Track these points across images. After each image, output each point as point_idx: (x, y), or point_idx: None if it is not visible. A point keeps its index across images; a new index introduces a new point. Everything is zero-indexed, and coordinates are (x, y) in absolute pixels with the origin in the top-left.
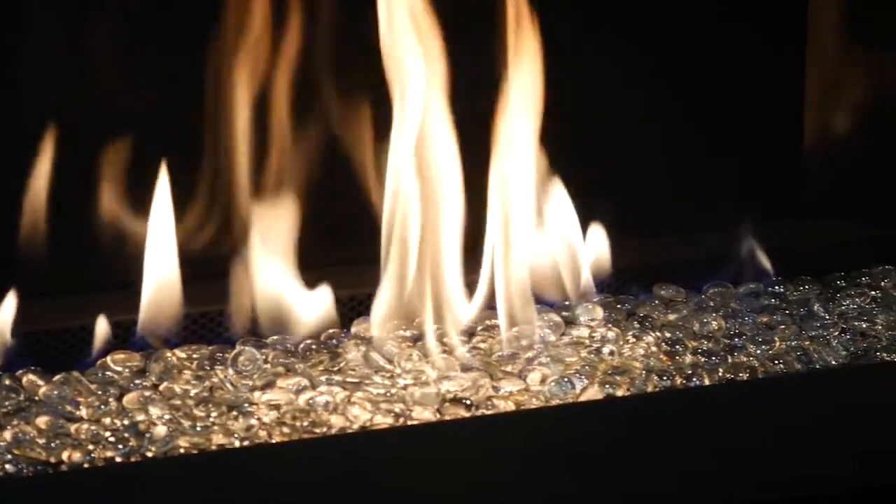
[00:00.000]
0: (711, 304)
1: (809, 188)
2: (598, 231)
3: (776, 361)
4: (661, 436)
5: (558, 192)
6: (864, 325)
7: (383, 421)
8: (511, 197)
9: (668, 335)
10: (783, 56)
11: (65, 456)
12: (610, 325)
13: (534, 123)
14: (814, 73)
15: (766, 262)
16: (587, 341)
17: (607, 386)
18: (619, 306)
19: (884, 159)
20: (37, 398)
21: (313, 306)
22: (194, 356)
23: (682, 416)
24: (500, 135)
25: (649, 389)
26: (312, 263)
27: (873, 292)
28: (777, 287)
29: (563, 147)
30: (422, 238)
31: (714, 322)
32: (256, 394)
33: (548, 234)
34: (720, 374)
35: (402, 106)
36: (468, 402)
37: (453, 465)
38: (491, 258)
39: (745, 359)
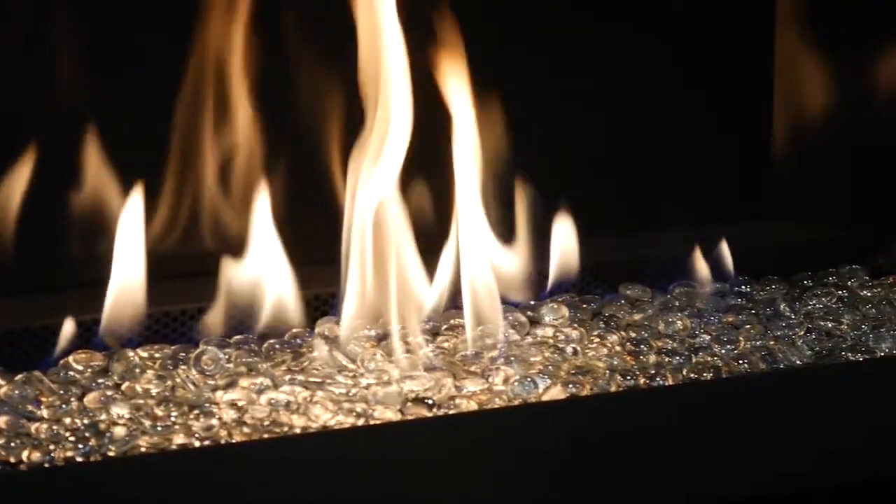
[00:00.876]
0: (677, 303)
1: (777, 189)
2: (564, 230)
3: (740, 361)
4: (624, 435)
5: (524, 192)
6: (829, 325)
7: (345, 420)
8: (476, 196)
9: (632, 335)
10: (751, 60)
11: (24, 455)
12: (575, 325)
13: (496, 124)
14: (781, 77)
15: (730, 263)
16: (551, 341)
17: (570, 385)
18: (584, 306)
19: (851, 160)
20: None
21: (278, 304)
22: (157, 356)
23: (644, 415)
24: (462, 137)
25: (612, 389)
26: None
27: (840, 292)
28: (744, 287)
29: (530, 148)
30: (385, 237)
31: (679, 322)
32: (218, 393)
33: (513, 234)
34: (684, 373)
35: (372, 112)
36: (430, 401)
37: (414, 465)
38: (456, 258)
39: (709, 358)
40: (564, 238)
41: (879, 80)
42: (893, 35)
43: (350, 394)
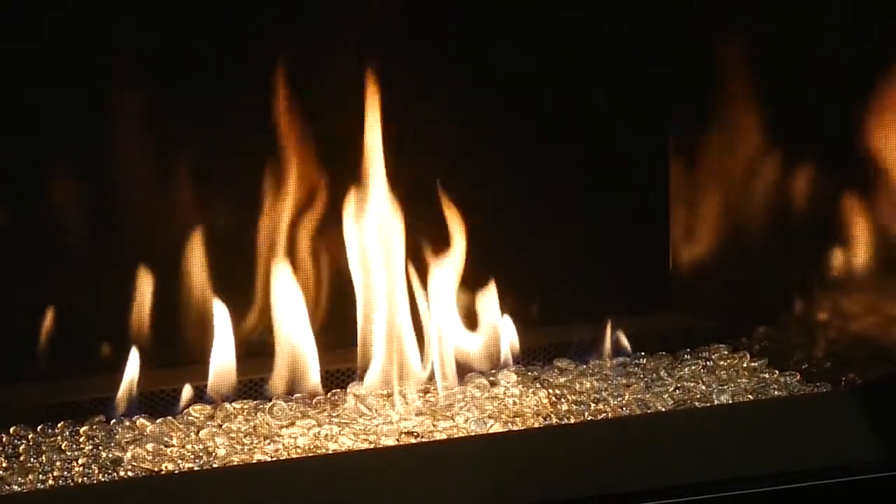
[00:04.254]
0: (591, 371)
1: (675, 289)
2: (510, 319)
3: (623, 408)
4: (540, 454)
5: (486, 293)
6: (691, 385)
7: (361, 446)
8: (448, 297)
9: (556, 392)
10: (651, 186)
11: (163, 467)
12: (518, 385)
13: (459, 241)
14: (675, 203)
15: (627, 343)
16: (500, 395)
17: (507, 424)
18: (528, 373)
19: (722, 268)
20: (146, 433)
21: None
22: (244, 407)
23: (553, 442)
24: (433, 252)
25: (534, 425)
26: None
27: (705, 363)
28: (640, 360)
29: (487, 256)
30: (388, 327)
31: (588, 383)
32: (283, 430)
33: (478, 324)
34: (584, 416)
35: (358, 221)
36: (416, 433)
37: (407, 471)
38: (437, 344)
39: (602, 406)
40: (512, 328)
41: (753, 199)
42: (767, 157)
43: (366, 429)
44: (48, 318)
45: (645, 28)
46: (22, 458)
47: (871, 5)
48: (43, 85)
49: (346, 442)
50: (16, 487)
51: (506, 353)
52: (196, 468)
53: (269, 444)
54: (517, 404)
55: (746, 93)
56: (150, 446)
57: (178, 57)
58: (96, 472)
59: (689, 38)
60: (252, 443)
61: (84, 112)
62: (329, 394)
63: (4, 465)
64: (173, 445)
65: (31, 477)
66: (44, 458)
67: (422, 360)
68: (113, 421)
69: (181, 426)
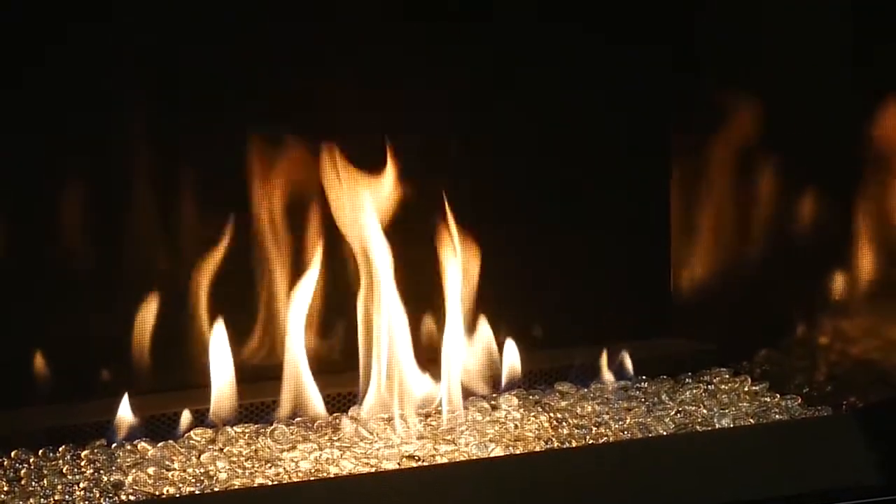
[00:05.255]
0: (592, 395)
1: (676, 313)
2: (514, 344)
3: (624, 432)
4: (541, 477)
5: (488, 317)
6: (692, 408)
7: (362, 470)
8: (451, 321)
9: (557, 416)
10: (652, 211)
11: (164, 491)
12: (520, 409)
13: (471, 273)
14: (677, 230)
15: (628, 367)
16: (502, 419)
17: (509, 448)
18: (529, 397)
19: (724, 294)
20: (147, 457)
21: (322, 399)
22: (245, 431)
23: (555, 466)
24: (446, 283)
25: (536, 449)
26: (321, 370)
27: (707, 386)
28: (641, 384)
29: (489, 280)
30: (390, 353)
31: (589, 406)
32: (284, 454)
33: (480, 349)
34: (586, 440)
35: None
36: (418, 457)
37: (406, 495)
38: (439, 367)
39: (603, 430)
40: (514, 352)
41: (754, 224)
42: (768, 182)
43: (367, 453)
44: (49, 342)
45: (646, 40)
46: (23, 482)
47: (872, 29)
48: (41, 113)
49: (347, 466)
50: None
51: (507, 376)
52: (197, 492)
53: (270, 467)
54: (518, 428)
55: (748, 118)
56: (151, 470)
57: (179, 83)
58: (97, 495)
59: (691, 59)
60: (253, 466)
61: (85, 139)
62: (331, 417)
63: (6, 489)
64: (174, 469)
65: (32, 501)
66: (45, 481)
67: (424, 384)
68: (114, 445)
69: (182, 450)
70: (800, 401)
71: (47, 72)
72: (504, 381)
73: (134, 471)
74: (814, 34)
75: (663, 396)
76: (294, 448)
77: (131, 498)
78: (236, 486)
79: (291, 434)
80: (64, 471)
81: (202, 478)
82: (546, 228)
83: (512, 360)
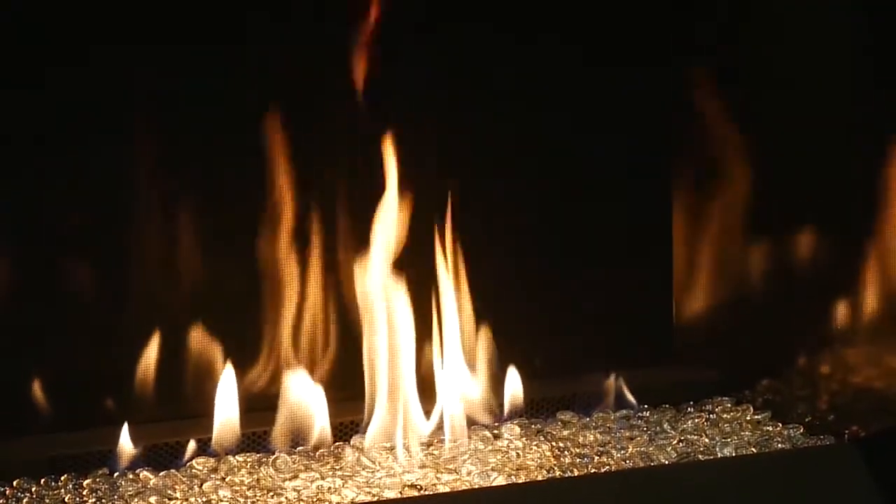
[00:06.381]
0: (594, 424)
1: (678, 342)
2: (516, 372)
3: (626, 461)
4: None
5: (491, 345)
6: (695, 437)
7: (364, 498)
8: (453, 349)
9: (559, 445)
10: (654, 240)
11: None
12: (522, 438)
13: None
14: (679, 263)
15: (630, 396)
16: (504, 448)
17: (511, 477)
18: (531, 426)
19: (727, 324)
20: (149, 486)
21: (325, 427)
22: (247, 460)
23: (557, 496)
24: (448, 311)
25: (538, 478)
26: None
27: (709, 415)
28: (643, 412)
29: (492, 309)
30: (392, 381)
31: (591, 435)
32: (286, 483)
33: (482, 377)
34: (587, 469)
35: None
36: (420, 486)
37: None
38: (442, 395)
39: (605, 459)
40: (516, 381)
41: (755, 253)
42: (770, 212)
43: (369, 482)
44: (51, 371)
45: (647, 74)
46: None
47: (877, 72)
48: (45, 145)
49: (349, 494)
50: None
51: (509, 405)
52: None
53: (272, 496)
54: (521, 457)
55: (749, 150)
56: (153, 499)
57: (182, 118)
58: None
59: (690, 92)
60: (255, 496)
61: (86, 173)
62: (333, 446)
63: None
64: (176, 498)
65: None
66: None
67: (427, 412)
68: (116, 474)
69: (184, 479)
70: (802, 430)
71: (45, 99)
72: (506, 409)
73: (136, 500)
74: (818, 71)
75: (665, 425)
76: (296, 477)
77: None
78: None
79: (293, 463)
80: (66, 500)
81: None
82: (549, 257)
83: (514, 388)
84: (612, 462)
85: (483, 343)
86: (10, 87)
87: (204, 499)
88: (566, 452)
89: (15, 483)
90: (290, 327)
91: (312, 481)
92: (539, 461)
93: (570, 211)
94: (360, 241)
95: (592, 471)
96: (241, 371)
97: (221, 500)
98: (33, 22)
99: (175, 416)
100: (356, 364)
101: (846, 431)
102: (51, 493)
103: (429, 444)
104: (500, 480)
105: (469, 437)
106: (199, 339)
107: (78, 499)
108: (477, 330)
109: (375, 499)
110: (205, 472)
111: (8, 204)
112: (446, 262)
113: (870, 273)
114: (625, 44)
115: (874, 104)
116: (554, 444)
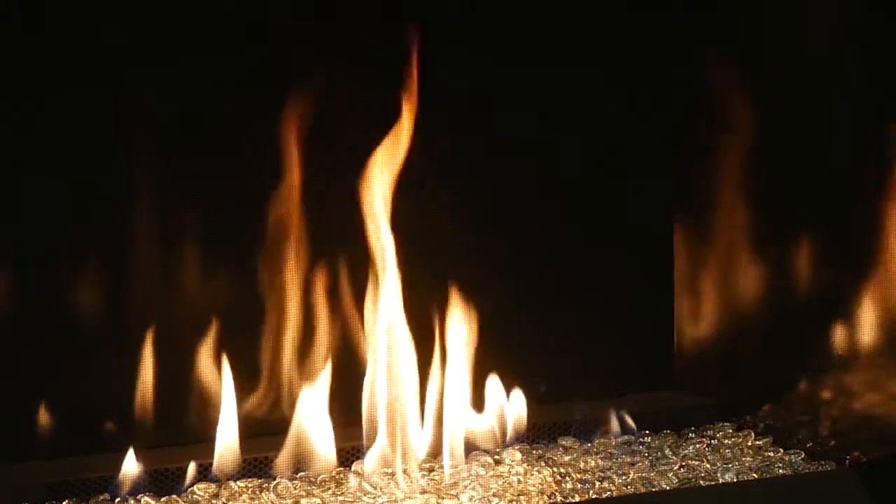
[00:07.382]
0: (595, 450)
1: (679, 368)
2: (518, 398)
3: (627, 487)
4: None
5: (492, 371)
6: (696, 463)
7: None
8: (454, 375)
9: (561, 470)
10: (655, 266)
11: None
12: (523, 464)
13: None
14: (680, 289)
15: (631, 422)
16: (505, 474)
17: (512, 502)
18: (532, 451)
19: (728, 350)
20: None
21: (326, 454)
22: (249, 485)
23: None
24: (449, 338)
25: None
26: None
27: (710, 441)
28: (645, 438)
29: (493, 335)
30: (393, 407)
31: (592, 461)
32: None
33: (483, 403)
34: (589, 494)
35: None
36: None
37: None
38: (443, 421)
39: (607, 485)
40: (519, 406)
41: (756, 280)
42: (770, 238)
43: None
44: (53, 397)
45: (652, 100)
46: None
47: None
48: (42, 164)
49: None
50: None
51: (511, 430)
52: None
53: None
54: (522, 482)
55: (749, 178)
56: None
57: (185, 130)
58: None
59: (693, 117)
60: None
61: (88, 190)
62: (334, 472)
63: None
64: None
65: None
66: None
67: (428, 439)
68: (118, 499)
69: None
70: (803, 455)
71: (48, 129)
72: (508, 435)
73: None
74: (817, 94)
75: (667, 451)
76: (297, 503)
77: None
78: None
79: (295, 489)
80: None
81: None
82: (551, 284)
83: (516, 414)
84: (613, 488)
85: (485, 368)
86: (9, 96)
87: None
88: (568, 478)
89: None
90: (291, 353)
91: None
92: (540, 486)
93: (573, 238)
94: (362, 266)
95: (594, 496)
96: (242, 396)
97: None
98: (33, 22)
99: (176, 441)
100: (357, 389)
101: (847, 457)
102: None
103: (430, 470)
104: None
105: (469, 463)
106: (200, 364)
107: None
108: (479, 355)
109: None
110: (206, 497)
111: (11, 228)
112: (449, 289)
113: (870, 299)
114: (625, 90)
115: (880, 135)
116: (555, 469)
